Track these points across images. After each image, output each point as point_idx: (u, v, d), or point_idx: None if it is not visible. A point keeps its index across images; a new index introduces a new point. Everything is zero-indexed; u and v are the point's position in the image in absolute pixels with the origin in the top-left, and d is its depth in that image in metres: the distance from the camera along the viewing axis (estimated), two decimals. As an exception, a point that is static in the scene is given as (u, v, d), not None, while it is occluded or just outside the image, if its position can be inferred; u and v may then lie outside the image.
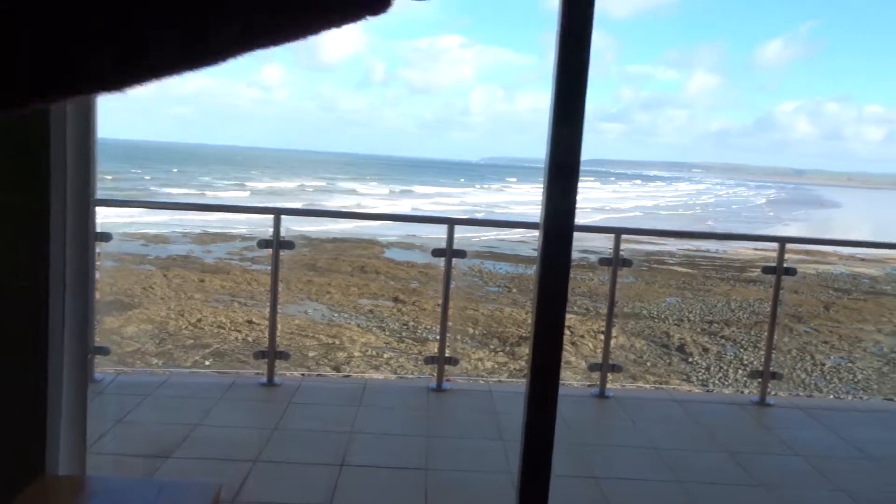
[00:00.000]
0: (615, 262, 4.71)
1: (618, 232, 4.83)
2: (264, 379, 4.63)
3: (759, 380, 4.75)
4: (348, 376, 7.20)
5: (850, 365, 9.81)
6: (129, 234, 16.84)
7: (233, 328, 9.67)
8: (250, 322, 9.87)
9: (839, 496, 3.46)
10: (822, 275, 16.59)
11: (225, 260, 15.45)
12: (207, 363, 8.09)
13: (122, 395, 4.21)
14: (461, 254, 4.77)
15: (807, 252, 18.19)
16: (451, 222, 4.73)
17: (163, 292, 11.69)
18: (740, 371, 8.96)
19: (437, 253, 4.72)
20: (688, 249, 19.93)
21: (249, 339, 9.15)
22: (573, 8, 2.65)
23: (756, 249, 17.07)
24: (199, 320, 9.93)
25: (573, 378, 7.27)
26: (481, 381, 6.69)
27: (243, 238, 17.93)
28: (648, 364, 9.38)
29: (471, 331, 10.46)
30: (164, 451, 3.49)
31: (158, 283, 12.31)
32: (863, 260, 19.25)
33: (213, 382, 4.80)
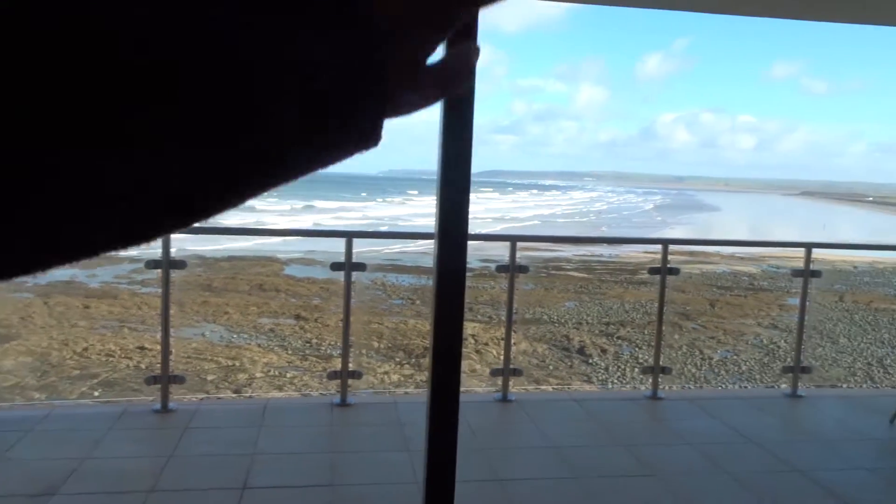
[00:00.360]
0: (512, 268, 4.82)
1: (513, 239, 4.95)
2: (158, 405, 4.43)
3: (651, 375, 4.99)
4: (251, 398, 7.00)
5: (735, 357, 10.45)
6: None
7: (123, 355, 9.20)
8: (142, 348, 9.42)
9: (726, 479, 3.68)
10: (706, 274, 17.61)
11: (112, 284, 14.67)
12: (96, 394, 7.66)
13: (0, 433, 3.92)
14: (361, 267, 4.75)
15: (691, 253, 19.26)
16: (348, 235, 4.71)
17: (44, 321, 10.97)
18: (636, 369, 9.37)
19: (335, 267, 4.68)
20: (583, 255, 20.67)
21: (142, 365, 8.72)
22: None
23: (647, 252, 17.92)
24: (86, 349, 9.39)
25: (478, 385, 7.38)
26: (387, 395, 6.67)
27: (132, 260, 17.08)
28: (550, 367, 9.65)
29: (376, 344, 10.41)
30: (49, 488, 3.27)
31: (38, 311, 11.54)
32: (742, 259, 20.58)
33: (102, 412, 4.55)
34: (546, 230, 41.41)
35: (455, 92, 0.32)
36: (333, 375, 4.81)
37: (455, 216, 2.65)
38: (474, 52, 0.33)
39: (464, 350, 2.79)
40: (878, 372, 9.88)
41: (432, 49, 0.31)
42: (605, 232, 42.27)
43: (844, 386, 8.66)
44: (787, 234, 45.77)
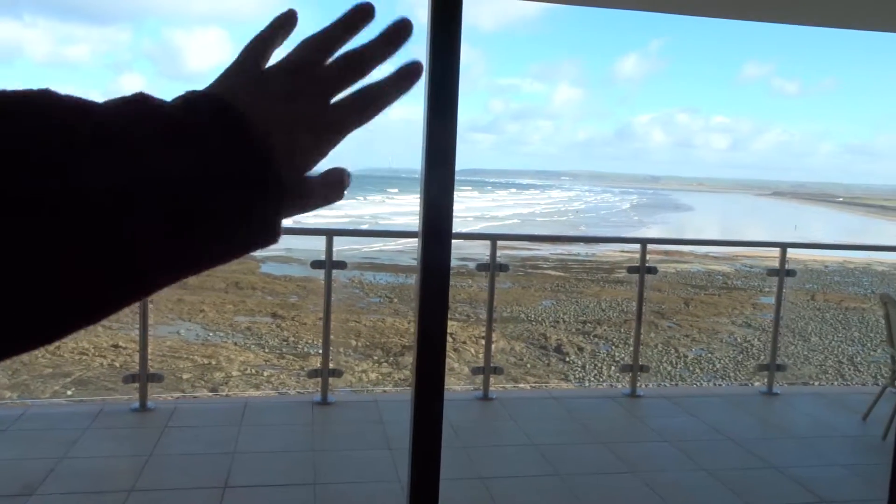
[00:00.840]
0: (492, 267, 4.85)
1: (493, 238, 4.97)
2: (136, 404, 4.39)
3: (630, 373, 5.04)
4: (228, 396, 6.94)
5: (709, 355, 10.59)
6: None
7: (97, 353, 9.07)
8: (116, 346, 9.30)
9: (701, 475, 3.74)
10: (681, 273, 17.81)
11: (86, 281, 14.42)
12: (69, 392, 7.54)
13: (-27, 433, 3.85)
14: (341, 265, 4.74)
15: (666, 252, 19.47)
16: (329, 233, 4.69)
17: (15, 319, 10.75)
18: (613, 367, 9.45)
19: (315, 265, 4.66)
20: (560, 254, 20.78)
21: (116, 364, 8.61)
22: (442, 23, 2.73)
23: (623, 252, 18.08)
24: (59, 347, 9.23)
25: (457, 383, 7.39)
26: (366, 393, 6.66)
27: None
28: (528, 365, 9.70)
29: (354, 343, 10.38)
30: (26, 488, 3.22)
31: (10, 309, 11.31)
32: (716, 258, 20.85)
33: (78, 411, 4.48)
34: (525, 229, 41.56)
35: (335, 200, 0.43)
36: (313, 374, 4.79)
37: (440, 214, 2.66)
38: (347, 175, 0.43)
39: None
40: (849, 370, 10.08)
41: (314, 165, 0.42)
42: (583, 231, 42.55)
43: (817, 384, 8.83)
44: (758, 234, 46.44)
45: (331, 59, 0.44)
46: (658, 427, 4.50)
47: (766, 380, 5.22)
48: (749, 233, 47.35)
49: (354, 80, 0.44)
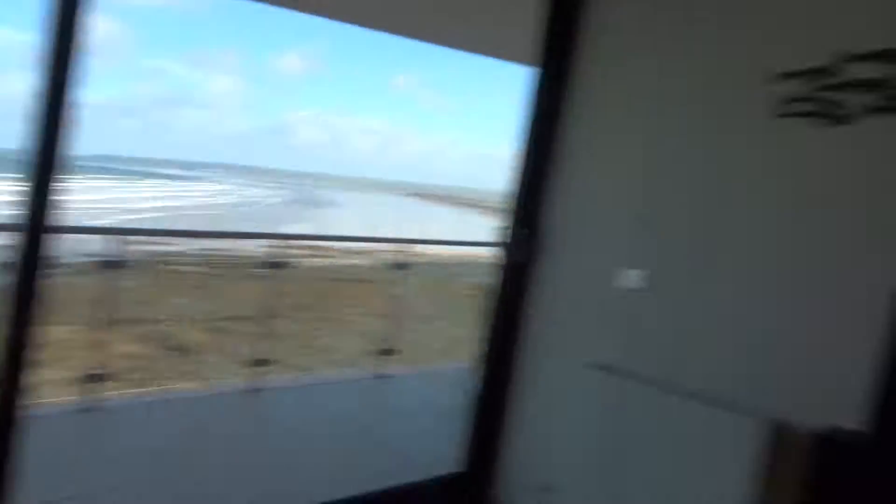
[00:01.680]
0: (109, 264, 4.45)
1: (105, 232, 4.56)
2: None
3: (256, 368, 5.07)
4: None
5: (337, 345, 11.16)
6: None
7: None
8: None
9: (316, 456, 3.93)
10: (322, 267, 18.46)
11: None
12: None
13: None
14: None
15: (311, 248, 19.98)
16: None
17: None
18: (233, 363, 9.38)
19: None
20: (202, 248, 19.96)
21: None
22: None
23: (269, 247, 18.02)
24: None
25: (69, 393, 6.60)
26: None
27: None
28: (154, 368, 9.11)
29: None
30: None
31: None
32: (358, 252, 22.04)
33: None
34: (175, 223, 39.07)
35: None
36: None
37: (40, 207, 2.34)
38: None
39: (46, 355, 2.51)
40: (461, 350, 11.48)
41: None
42: (235, 226, 41.32)
43: (429, 365, 9.89)
44: (397, 231, 50.52)
45: None
46: (277, 417, 4.62)
47: (378, 365, 5.72)
48: (388, 230, 51.06)
49: None
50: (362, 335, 11.95)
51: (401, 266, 5.97)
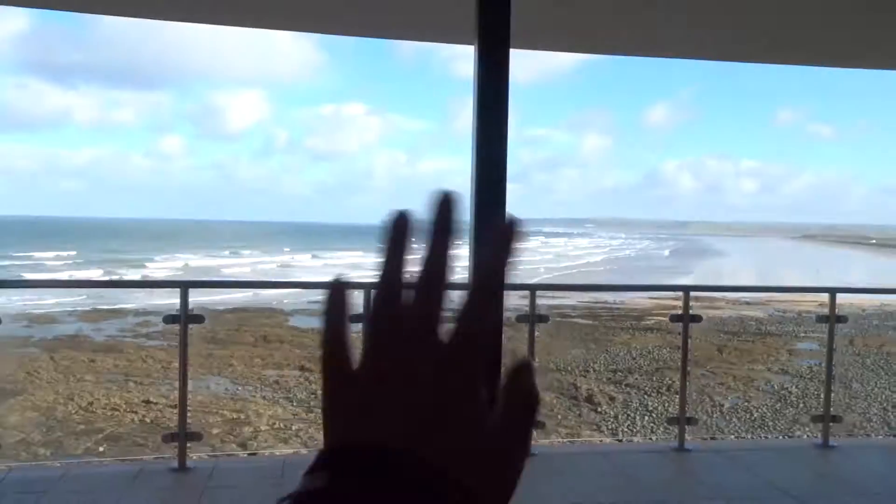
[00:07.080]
0: (532, 318, 4.78)
1: (533, 288, 4.91)
2: (175, 464, 4.32)
3: (676, 426, 4.89)
4: (254, 454, 6.85)
5: (746, 404, 10.30)
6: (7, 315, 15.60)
7: (128, 409, 9.05)
8: (147, 402, 9.27)
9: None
10: (713, 319, 17.50)
11: (117, 337, 14.54)
12: (101, 448, 7.50)
13: (18, 495, 3.81)
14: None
15: (696, 298, 19.14)
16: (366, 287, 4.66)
17: (49, 375, 10.82)
18: (646, 417, 9.21)
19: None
20: (587, 301, 20.56)
21: (147, 419, 8.57)
22: (490, 83, 2.74)
23: (652, 298, 17.81)
24: (91, 403, 9.24)
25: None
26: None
27: (136, 313, 16.99)
28: (559, 417, 9.49)
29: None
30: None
31: (44, 366, 11.40)
32: (748, 303, 20.46)
33: (118, 472, 4.44)
34: (578, 278, 42.15)
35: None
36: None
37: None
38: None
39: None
40: (894, 417, 9.73)
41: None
42: (630, 278, 41.74)
43: (874, 435, 8.50)
44: (794, 278, 45.73)
45: (410, 305, 0.37)
46: (713, 484, 4.33)
47: (818, 431, 5.04)
48: (786, 277, 46.43)
49: (441, 300, 0.37)
50: (770, 394, 10.92)
51: (821, 319, 5.13)
